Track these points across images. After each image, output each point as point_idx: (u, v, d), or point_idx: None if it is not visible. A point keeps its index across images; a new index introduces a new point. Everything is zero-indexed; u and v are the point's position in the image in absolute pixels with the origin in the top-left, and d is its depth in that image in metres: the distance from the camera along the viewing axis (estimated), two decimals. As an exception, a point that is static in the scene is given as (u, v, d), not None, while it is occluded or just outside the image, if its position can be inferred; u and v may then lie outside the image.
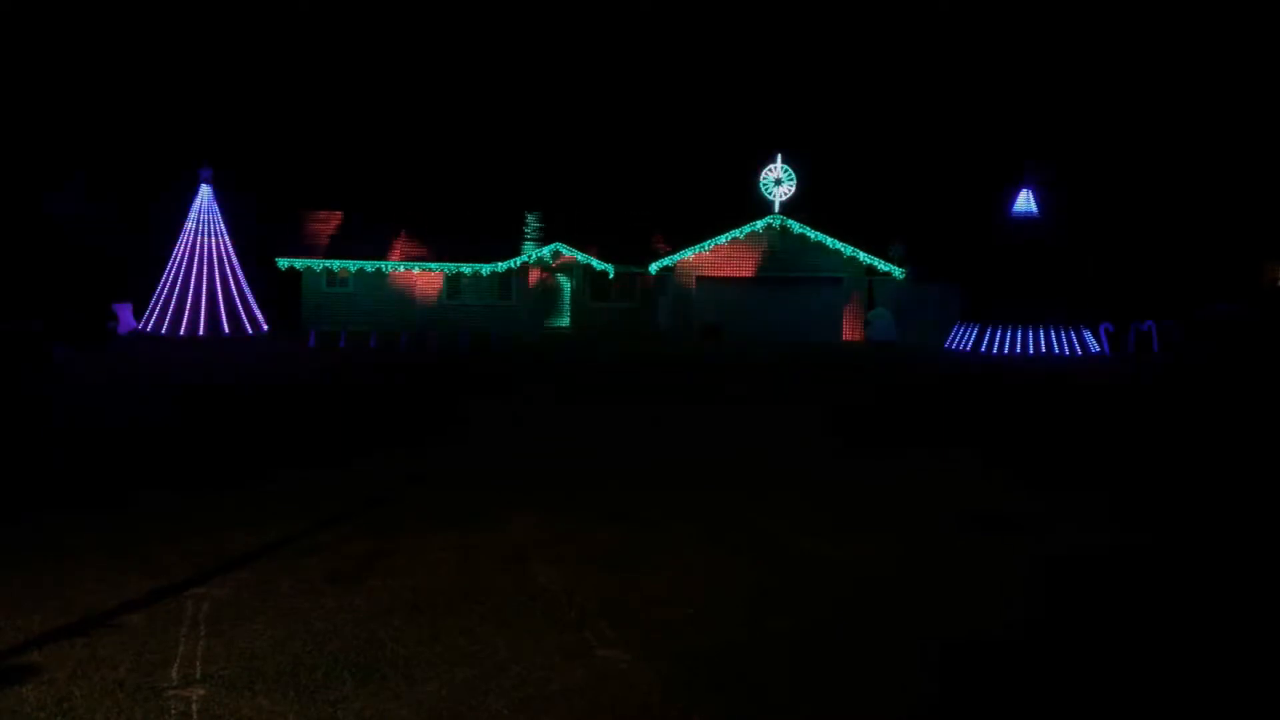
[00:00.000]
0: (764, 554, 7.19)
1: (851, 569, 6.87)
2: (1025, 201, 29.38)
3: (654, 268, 33.09)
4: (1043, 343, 28.02)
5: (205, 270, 31.30)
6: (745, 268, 32.55)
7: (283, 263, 34.82)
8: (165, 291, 31.24)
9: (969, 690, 4.92)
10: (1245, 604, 6.27)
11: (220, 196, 32.39)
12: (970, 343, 28.84)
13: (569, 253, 34.53)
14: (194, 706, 4.49)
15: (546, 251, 34.55)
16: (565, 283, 36.12)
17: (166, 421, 13.35)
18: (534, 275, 35.46)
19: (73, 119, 40.72)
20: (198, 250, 31.46)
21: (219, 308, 31.12)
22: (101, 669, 4.86)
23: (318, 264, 34.93)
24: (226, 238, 32.06)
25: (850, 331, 32.53)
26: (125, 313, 31.79)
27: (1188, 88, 45.45)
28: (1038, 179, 29.44)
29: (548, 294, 36.14)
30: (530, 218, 37.05)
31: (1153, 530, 8.05)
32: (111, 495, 8.78)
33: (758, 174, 32.39)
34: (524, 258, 34.54)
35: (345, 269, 35.26)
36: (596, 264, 34.26)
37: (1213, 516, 8.66)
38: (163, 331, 30.46)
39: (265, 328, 32.14)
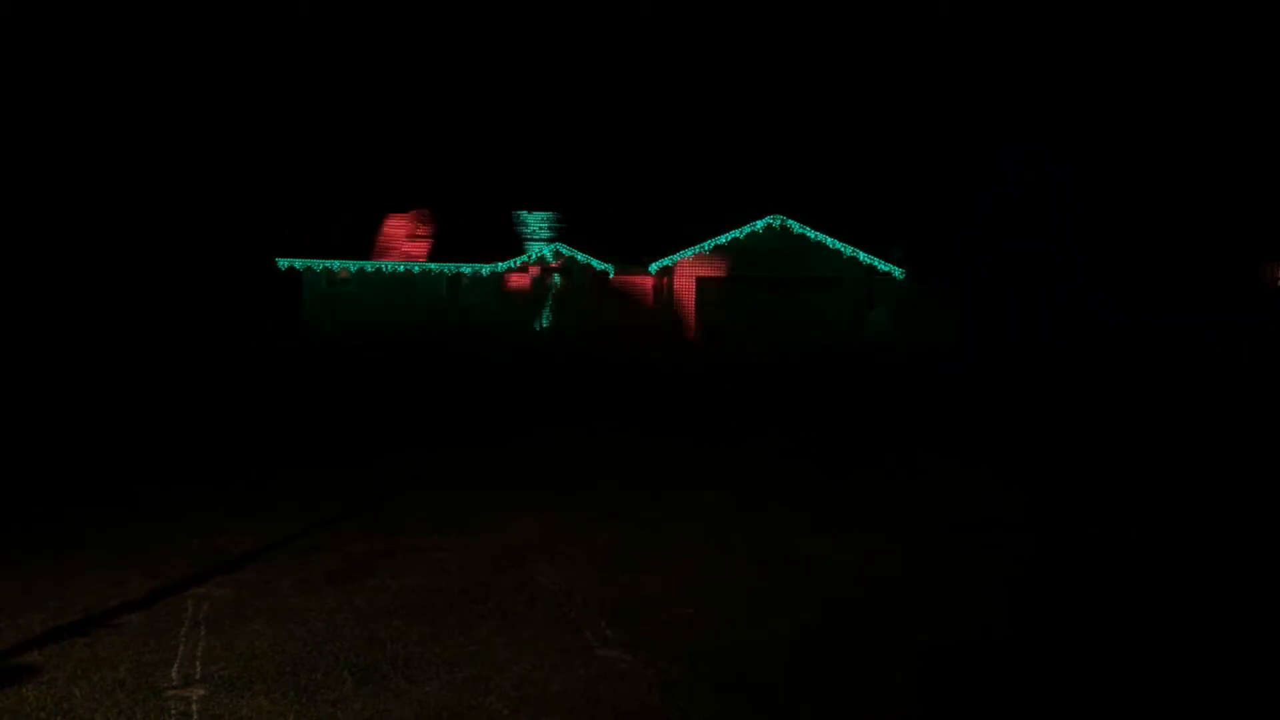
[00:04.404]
0: (764, 554, 7.19)
1: (851, 569, 6.88)
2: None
3: (654, 268, 33.09)
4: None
5: None
6: (746, 268, 32.54)
7: (283, 263, 34.83)
8: None
9: (966, 688, 4.92)
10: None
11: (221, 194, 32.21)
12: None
13: (569, 252, 34.53)
14: (194, 706, 4.50)
15: (547, 251, 34.56)
16: (566, 283, 36.12)
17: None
18: (534, 275, 35.45)
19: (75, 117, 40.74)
20: None
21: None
22: (101, 669, 4.86)
23: (318, 264, 34.93)
24: None
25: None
26: None
27: (1188, 87, 45.44)
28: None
29: (548, 294, 36.13)
30: (531, 217, 37.06)
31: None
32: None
33: (758, 173, 32.40)
34: (524, 257, 34.55)
35: (346, 269, 35.26)
36: (596, 264, 34.26)
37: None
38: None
39: None
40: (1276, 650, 5.51)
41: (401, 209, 38.32)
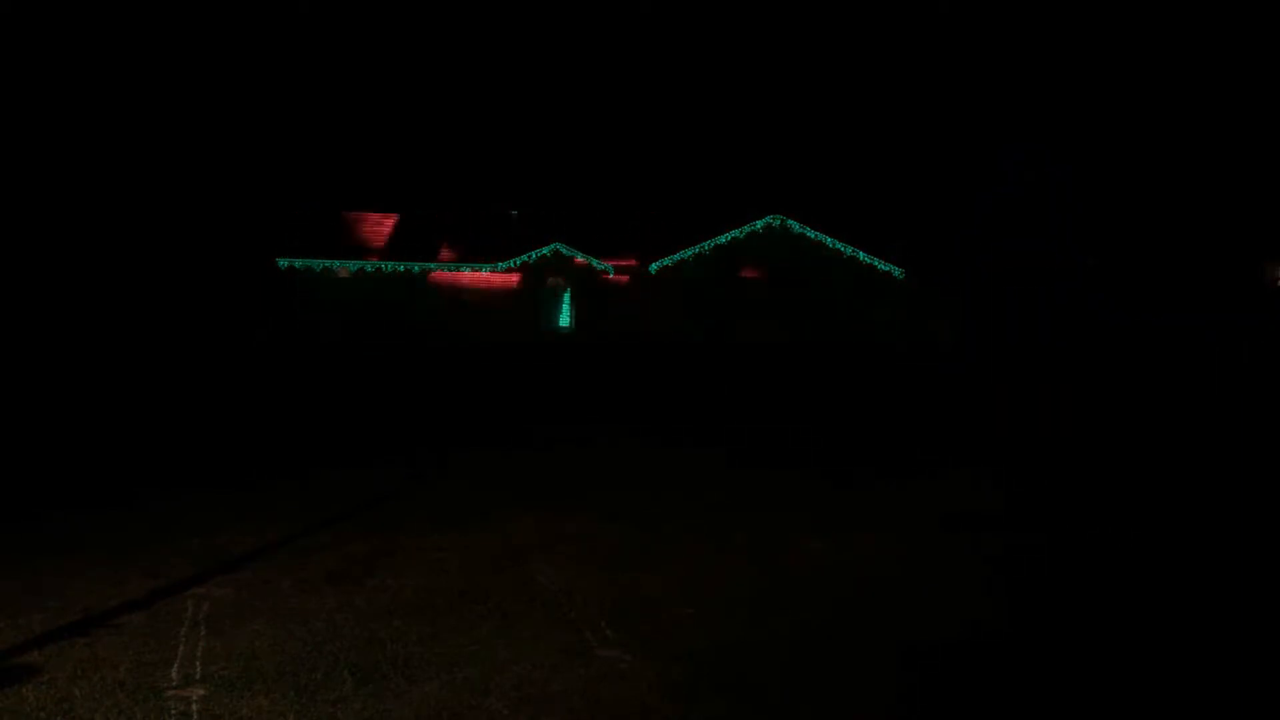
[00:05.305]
0: (764, 554, 7.19)
1: (851, 569, 6.88)
2: None
3: (654, 268, 33.10)
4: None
5: None
6: (745, 268, 32.56)
7: (282, 262, 34.83)
8: None
9: (966, 688, 4.92)
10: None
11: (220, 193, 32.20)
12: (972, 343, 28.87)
13: (568, 253, 34.53)
14: (194, 706, 4.49)
15: (546, 251, 34.56)
16: (564, 283, 36.12)
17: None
18: (533, 274, 35.45)
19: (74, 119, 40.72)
20: None
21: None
22: (101, 669, 4.86)
23: (317, 264, 34.94)
24: None
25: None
26: None
27: (1187, 87, 45.42)
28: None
29: (547, 295, 36.13)
30: (531, 217, 37.07)
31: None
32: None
33: (758, 173, 32.41)
34: (524, 257, 34.55)
35: (345, 268, 35.27)
36: (596, 263, 34.26)
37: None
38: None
39: None
40: (1275, 649, 5.51)
41: (401, 209, 38.30)
